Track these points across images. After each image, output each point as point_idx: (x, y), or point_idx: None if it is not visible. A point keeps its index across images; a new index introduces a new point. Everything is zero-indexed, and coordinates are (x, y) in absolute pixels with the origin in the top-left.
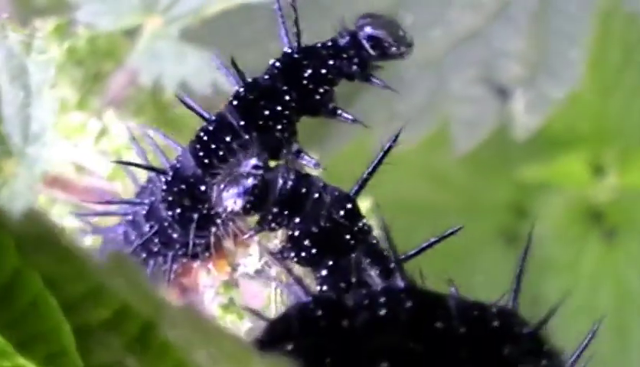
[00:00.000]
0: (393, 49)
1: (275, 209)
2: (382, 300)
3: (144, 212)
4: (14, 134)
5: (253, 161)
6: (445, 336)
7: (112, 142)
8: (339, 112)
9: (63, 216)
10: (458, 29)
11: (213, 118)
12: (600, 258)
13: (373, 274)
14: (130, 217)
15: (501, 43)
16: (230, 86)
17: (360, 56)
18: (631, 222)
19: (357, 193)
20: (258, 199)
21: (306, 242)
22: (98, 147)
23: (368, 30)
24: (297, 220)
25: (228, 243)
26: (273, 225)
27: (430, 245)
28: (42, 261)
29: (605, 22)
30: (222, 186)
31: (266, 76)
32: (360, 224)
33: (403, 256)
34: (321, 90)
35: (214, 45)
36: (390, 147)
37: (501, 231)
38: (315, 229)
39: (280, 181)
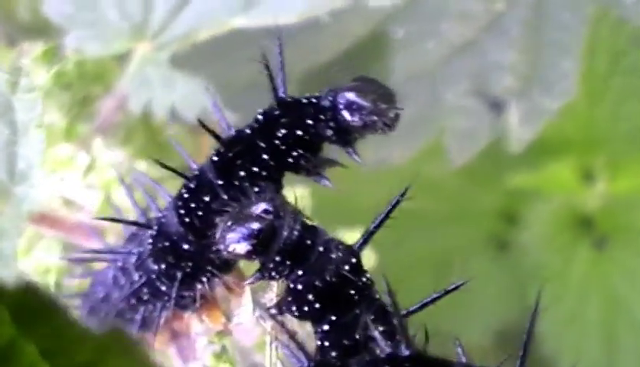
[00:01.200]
0: (372, 122)
1: (277, 258)
2: None
3: (133, 260)
4: (0, 172)
5: (263, 206)
6: None
7: (100, 176)
8: (318, 172)
9: (50, 252)
10: (452, 41)
11: (196, 171)
12: (590, 265)
13: (377, 335)
14: (120, 263)
15: (495, 55)
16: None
17: (336, 121)
18: (620, 229)
19: (362, 247)
20: (262, 245)
21: (309, 297)
22: (86, 181)
23: (350, 95)
24: (300, 272)
25: (221, 291)
26: (273, 274)
27: (433, 301)
28: (38, 333)
29: (593, 29)
30: (228, 224)
31: (248, 130)
32: (364, 279)
33: (405, 311)
34: (295, 153)
35: (204, 71)
36: (397, 202)
37: (492, 238)
38: (318, 283)
39: (286, 230)
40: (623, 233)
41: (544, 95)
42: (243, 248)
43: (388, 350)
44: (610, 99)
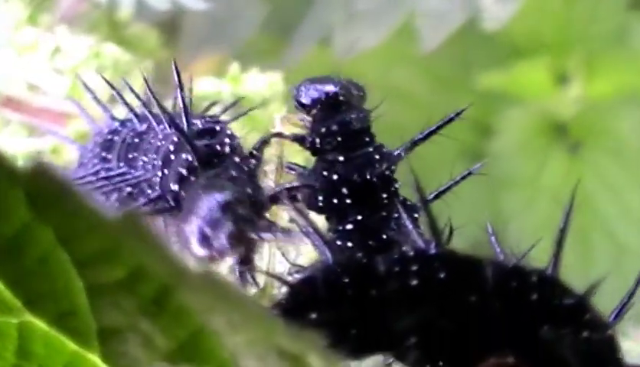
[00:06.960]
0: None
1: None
2: (414, 267)
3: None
4: None
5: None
6: (479, 311)
7: (66, 60)
8: None
9: (17, 137)
10: None
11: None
12: (564, 171)
13: (413, 230)
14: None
15: None
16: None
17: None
18: (595, 133)
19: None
20: None
21: (343, 190)
22: (52, 65)
23: None
24: (341, 159)
25: None
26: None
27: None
28: (53, 216)
29: None
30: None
31: None
32: (396, 183)
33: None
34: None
35: None
36: None
37: (464, 148)
38: (356, 178)
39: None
40: (598, 137)
41: None
42: None
43: (419, 246)
44: None
